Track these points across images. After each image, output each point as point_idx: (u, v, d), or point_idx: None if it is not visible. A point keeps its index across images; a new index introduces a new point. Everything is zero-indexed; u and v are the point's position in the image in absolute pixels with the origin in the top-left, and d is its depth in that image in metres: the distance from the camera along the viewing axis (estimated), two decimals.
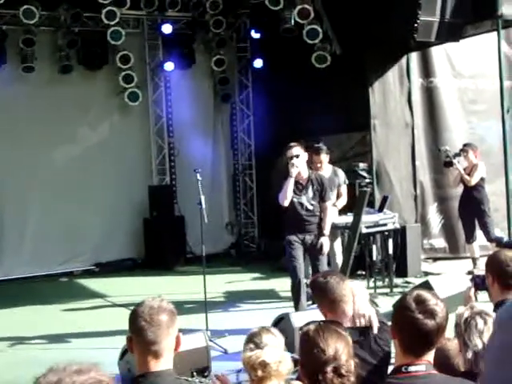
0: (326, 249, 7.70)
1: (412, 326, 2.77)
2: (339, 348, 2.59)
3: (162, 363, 2.82)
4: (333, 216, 8.14)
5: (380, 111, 10.74)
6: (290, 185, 7.53)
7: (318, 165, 9.01)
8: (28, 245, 11.80)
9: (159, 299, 2.92)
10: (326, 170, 9.14)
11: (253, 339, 3.10)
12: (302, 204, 7.65)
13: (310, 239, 7.66)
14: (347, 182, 9.38)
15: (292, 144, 7.67)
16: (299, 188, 7.65)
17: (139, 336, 2.82)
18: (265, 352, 2.94)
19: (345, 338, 2.67)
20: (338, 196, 9.16)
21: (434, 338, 2.79)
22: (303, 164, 7.66)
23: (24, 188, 11.60)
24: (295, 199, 7.63)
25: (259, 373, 2.89)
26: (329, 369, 2.51)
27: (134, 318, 2.86)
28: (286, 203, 7.55)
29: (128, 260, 12.38)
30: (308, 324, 2.86)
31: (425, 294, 2.86)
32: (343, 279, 3.78)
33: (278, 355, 2.95)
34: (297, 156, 7.51)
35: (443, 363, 3.08)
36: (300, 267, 7.64)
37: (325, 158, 9.07)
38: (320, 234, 7.68)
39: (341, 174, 9.27)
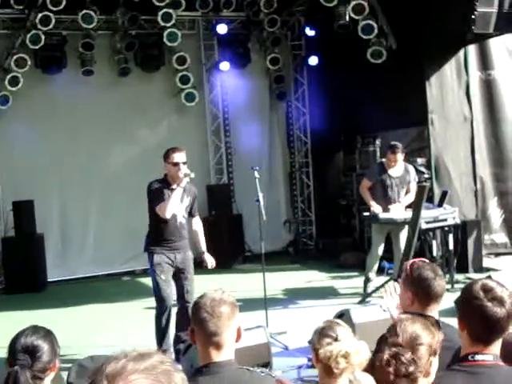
0: (213, 264, 6.99)
1: (481, 315, 2.77)
2: (416, 338, 2.52)
3: (224, 354, 2.90)
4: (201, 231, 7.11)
5: (438, 105, 10.61)
6: (177, 195, 6.55)
7: (393, 163, 8.99)
8: (90, 245, 12.06)
9: (221, 291, 2.99)
10: (399, 167, 9.10)
11: (327, 333, 3.10)
12: (175, 216, 6.67)
13: (181, 258, 6.74)
14: (417, 179, 9.31)
15: (177, 148, 6.72)
16: (169, 197, 6.61)
17: (201, 327, 2.90)
18: (344, 343, 2.96)
19: (430, 332, 2.60)
20: (407, 192, 9.12)
21: (504, 324, 2.78)
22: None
23: (85, 189, 11.85)
24: None
25: (342, 364, 2.90)
26: (387, 350, 2.46)
27: (197, 309, 2.94)
28: (169, 215, 6.53)
29: None
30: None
31: (490, 282, 2.87)
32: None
33: (356, 345, 2.97)
34: (184, 163, 6.60)
35: (509, 355, 3.06)
36: (170, 294, 6.75)
37: (400, 156, 9.02)
38: (200, 251, 6.99)
39: (412, 170, 9.21)
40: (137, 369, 1.38)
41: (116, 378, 1.37)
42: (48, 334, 2.99)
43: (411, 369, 2.49)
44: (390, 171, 9.07)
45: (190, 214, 6.90)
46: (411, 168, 9.25)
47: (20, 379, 2.72)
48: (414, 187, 9.11)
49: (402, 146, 9.13)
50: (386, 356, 2.48)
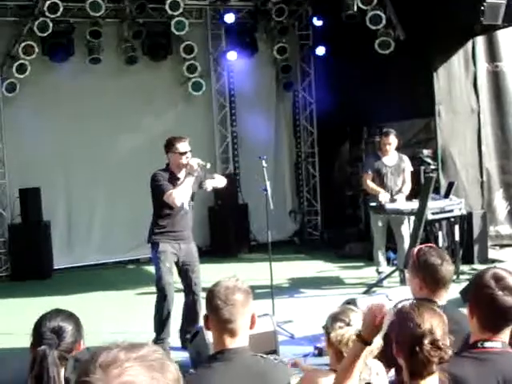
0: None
1: (492, 303, 2.79)
2: (434, 323, 2.56)
3: (238, 341, 2.92)
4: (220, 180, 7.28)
5: (445, 97, 10.59)
6: (189, 183, 6.55)
7: (387, 147, 9.08)
8: (96, 233, 12.09)
9: (234, 279, 3.01)
10: (393, 155, 9.17)
11: (340, 318, 3.14)
12: (182, 204, 6.60)
13: (185, 248, 6.78)
14: (411, 168, 9.37)
15: (181, 137, 6.68)
16: (178, 184, 6.57)
17: (215, 315, 2.92)
18: (356, 329, 2.98)
19: (439, 314, 2.65)
20: (403, 182, 9.19)
21: None
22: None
23: (91, 177, 11.87)
24: None
25: None
26: (426, 341, 2.49)
27: (211, 297, 2.96)
28: (179, 202, 6.50)
29: None
30: (401, 302, 2.86)
31: (501, 271, 2.89)
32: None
33: None
34: (190, 151, 6.63)
35: None
36: (171, 283, 6.71)
37: (393, 140, 9.09)
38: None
39: (406, 160, 9.32)
40: (129, 357, 1.39)
41: (110, 366, 1.37)
42: (71, 316, 3.04)
43: (450, 352, 2.54)
44: (385, 160, 9.16)
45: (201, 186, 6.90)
46: (405, 157, 9.37)
47: (48, 358, 2.75)
48: (408, 177, 9.20)
49: (395, 131, 9.23)
50: (427, 347, 2.50)
